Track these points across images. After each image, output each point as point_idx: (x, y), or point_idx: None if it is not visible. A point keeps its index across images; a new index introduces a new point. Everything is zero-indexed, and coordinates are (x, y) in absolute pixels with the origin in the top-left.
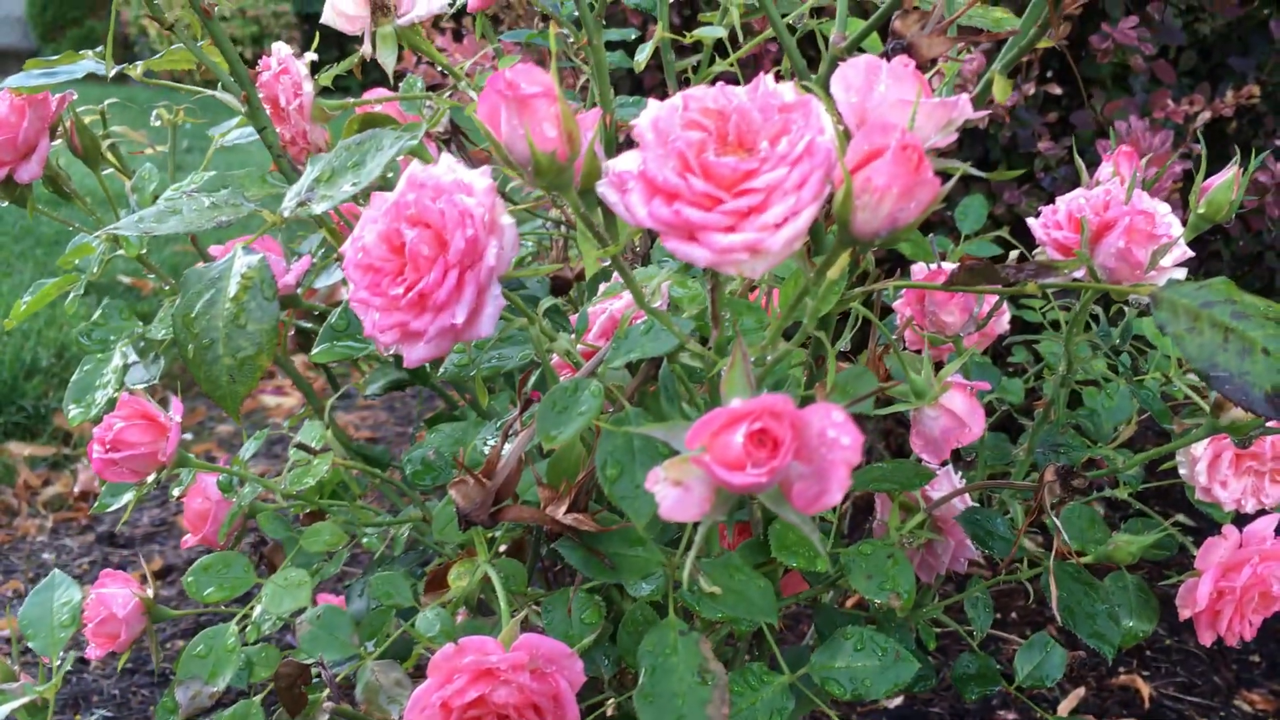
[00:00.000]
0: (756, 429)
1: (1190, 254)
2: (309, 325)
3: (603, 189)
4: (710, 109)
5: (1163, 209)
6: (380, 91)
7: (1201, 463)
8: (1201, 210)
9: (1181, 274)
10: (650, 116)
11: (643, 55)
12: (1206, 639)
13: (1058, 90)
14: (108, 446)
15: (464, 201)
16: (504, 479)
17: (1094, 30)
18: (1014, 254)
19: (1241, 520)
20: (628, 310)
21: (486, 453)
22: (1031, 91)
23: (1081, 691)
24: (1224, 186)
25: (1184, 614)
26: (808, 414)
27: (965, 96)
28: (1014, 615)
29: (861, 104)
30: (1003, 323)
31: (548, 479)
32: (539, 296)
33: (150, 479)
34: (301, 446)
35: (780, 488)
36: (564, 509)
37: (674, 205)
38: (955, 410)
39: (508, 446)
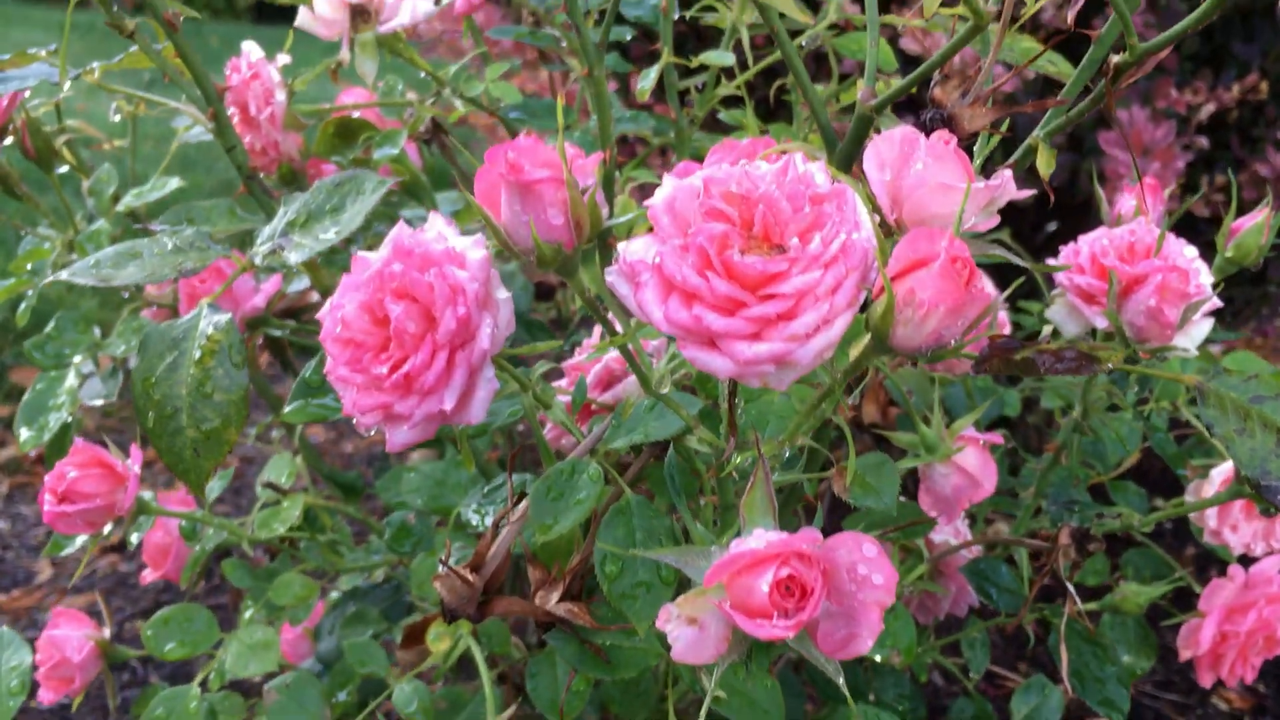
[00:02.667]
0: (784, 576)
1: (1219, 304)
2: (279, 332)
3: (612, 279)
4: (734, 194)
5: (1194, 259)
6: (358, 93)
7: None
8: (1230, 254)
9: (1209, 325)
10: (666, 197)
11: (646, 83)
12: (1206, 680)
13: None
14: (60, 497)
15: (455, 275)
16: (492, 571)
17: (1098, 13)
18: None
19: (1246, 558)
20: (631, 385)
21: (473, 522)
22: (1031, 76)
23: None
24: (1254, 230)
25: (1184, 655)
26: (836, 549)
27: (1009, 175)
28: (1014, 655)
29: (896, 182)
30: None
31: (540, 557)
32: (523, 311)
33: (107, 529)
34: (270, 485)
35: (805, 628)
36: (557, 596)
37: (693, 309)
38: (968, 468)
39: (498, 537)
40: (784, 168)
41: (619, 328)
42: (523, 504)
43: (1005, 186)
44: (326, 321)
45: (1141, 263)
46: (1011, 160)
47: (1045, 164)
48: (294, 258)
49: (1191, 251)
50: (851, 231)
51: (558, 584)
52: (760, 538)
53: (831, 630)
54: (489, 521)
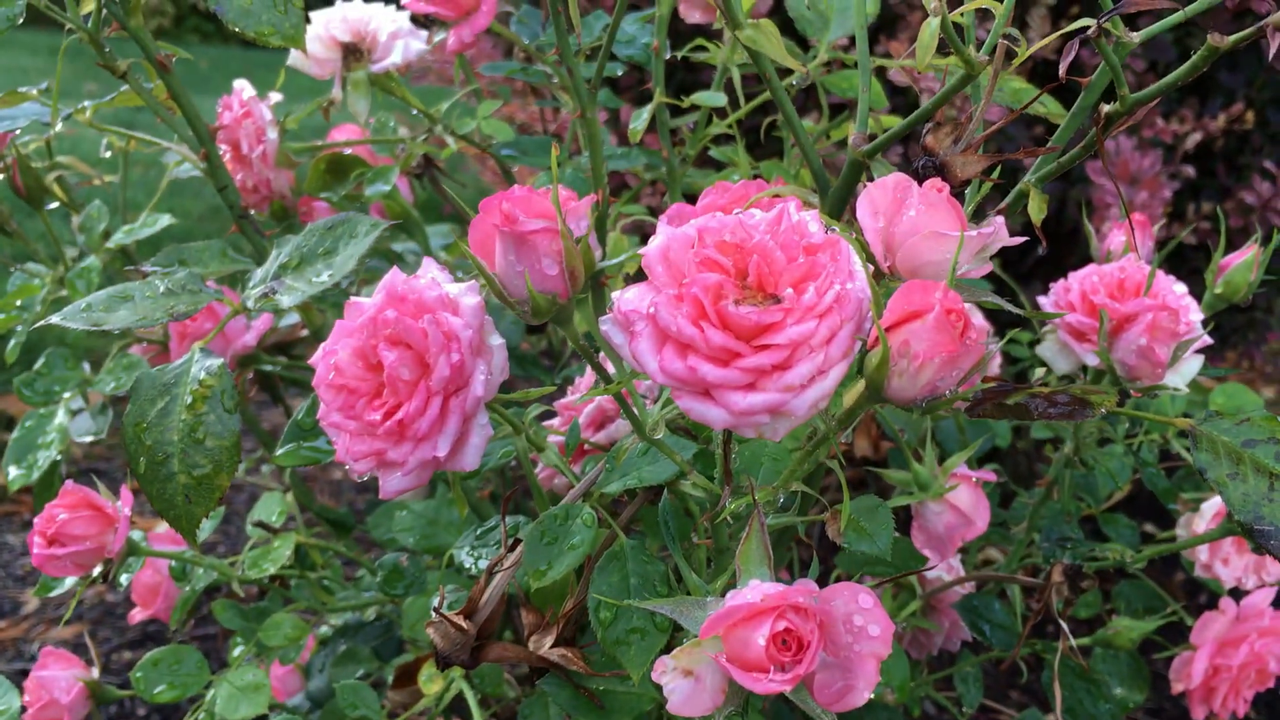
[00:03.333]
0: (780, 629)
1: (1209, 341)
2: (270, 367)
3: (607, 328)
4: (728, 243)
5: (1184, 296)
6: (349, 130)
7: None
8: (1219, 290)
9: (1199, 362)
10: (660, 246)
11: (639, 123)
12: (1199, 714)
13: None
14: (49, 540)
15: (449, 322)
16: (486, 617)
17: (1086, 44)
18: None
19: (1237, 591)
20: (624, 425)
21: (466, 565)
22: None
23: None
24: (1243, 267)
25: (1177, 688)
26: (832, 599)
27: (1001, 221)
28: (1004, 685)
29: (890, 229)
30: (993, 367)
31: (533, 600)
32: (514, 345)
33: (96, 571)
34: (261, 525)
35: (802, 681)
36: (550, 641)
37: (688, 359)
38: (961, 506)
39: (492, 583)
40: (778, 217)
41: (611, 369)
42: (517, 549)
43: (998, 233)
44: (319, 367)
45: (1132, 301)
46: (1003, 205)
47: (1037, 210)
48: (286, 301)
49: (1181, 288)
50: (845, 281)
51: (551, 628)
52: (756, 590)
53: (828, 682)
54: (483, 565)
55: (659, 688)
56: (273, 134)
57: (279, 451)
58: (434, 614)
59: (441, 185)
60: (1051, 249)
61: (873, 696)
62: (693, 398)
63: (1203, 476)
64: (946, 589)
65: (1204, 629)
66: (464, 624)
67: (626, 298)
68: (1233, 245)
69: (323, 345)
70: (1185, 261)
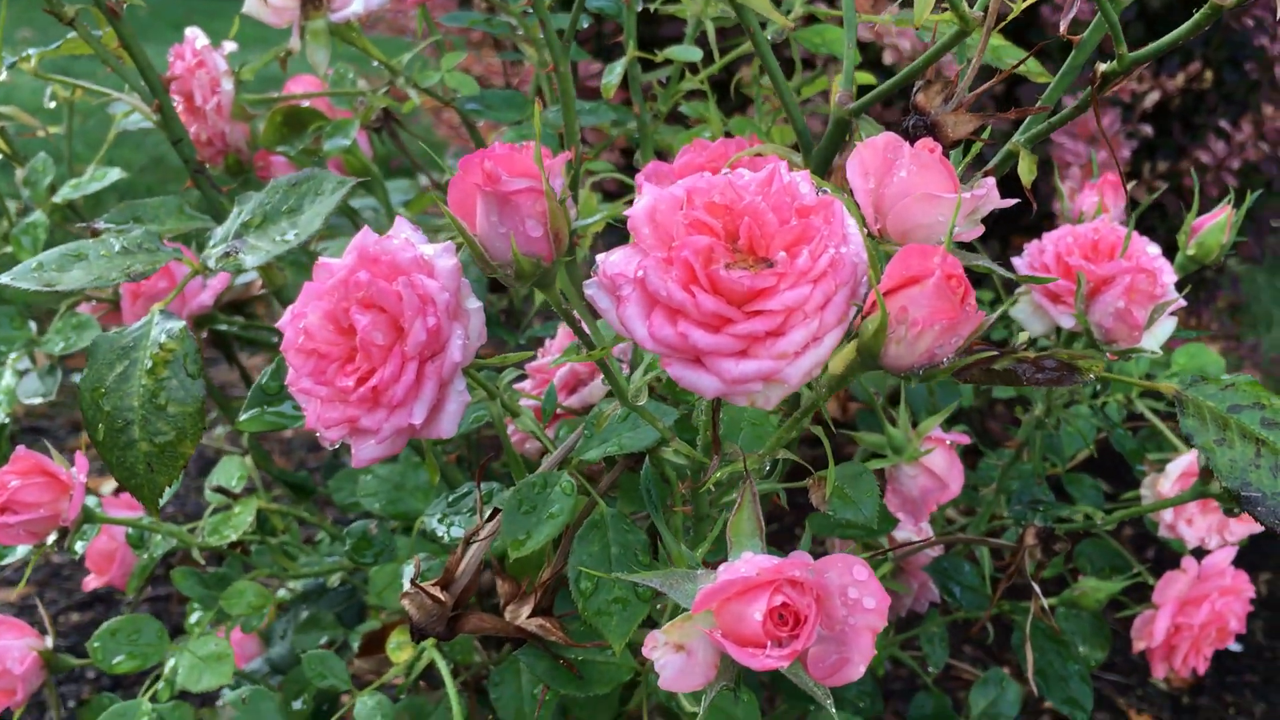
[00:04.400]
0: (778, 604)
1: (1183, 303)
2: (227, 327)
3: (592, 292)
4: (717, 205)
5: (1158, 258)
6: (307, 82)
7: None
8: (1192, 252)
9: (1173, 324)
10: (646, 207)
11: (612, 77)
12: (1159, 671)
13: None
14: (1, 508)
15: (425, 285)
16: (463, 587)
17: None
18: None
19: (1199, 551)
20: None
21: (438, 533)
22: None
23: None
24: (1216, 229)
25: (1138, 647)
26: (826, 572)
27: (992, 183)
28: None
29: (879, 190)
30: None
31: (509, 570)
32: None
33: (50, 540)
34: (220, 490)
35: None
36: (528, 611)
37: (679, 325)
38: (935, 469)
39: (469, 553)
40: (769, 177)
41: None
42: (495, 519)
43: (989, 195)
44: (288, 331)
45: (1108, 263)
46: (989, 166)
47: (1027, 171)
48: (250, 261)
49: (1155, 250)
50: (840, 245)
51: (528, 598)
52: (751, 563)
53: (823, 655)
54: (455, 533)
55: (639, 658)
56: (228, 85)
57: (243, 417)
58: (409, 585)
59: (402, 140)
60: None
61: None
62: (683, 365)
63: (1189, 443)
64: (917, 550)
65: (1166, 588)
66: (441, 595)
67: (611, 260)
68: (1185, 205)
69: (290, 308)
70: (1140, 221)
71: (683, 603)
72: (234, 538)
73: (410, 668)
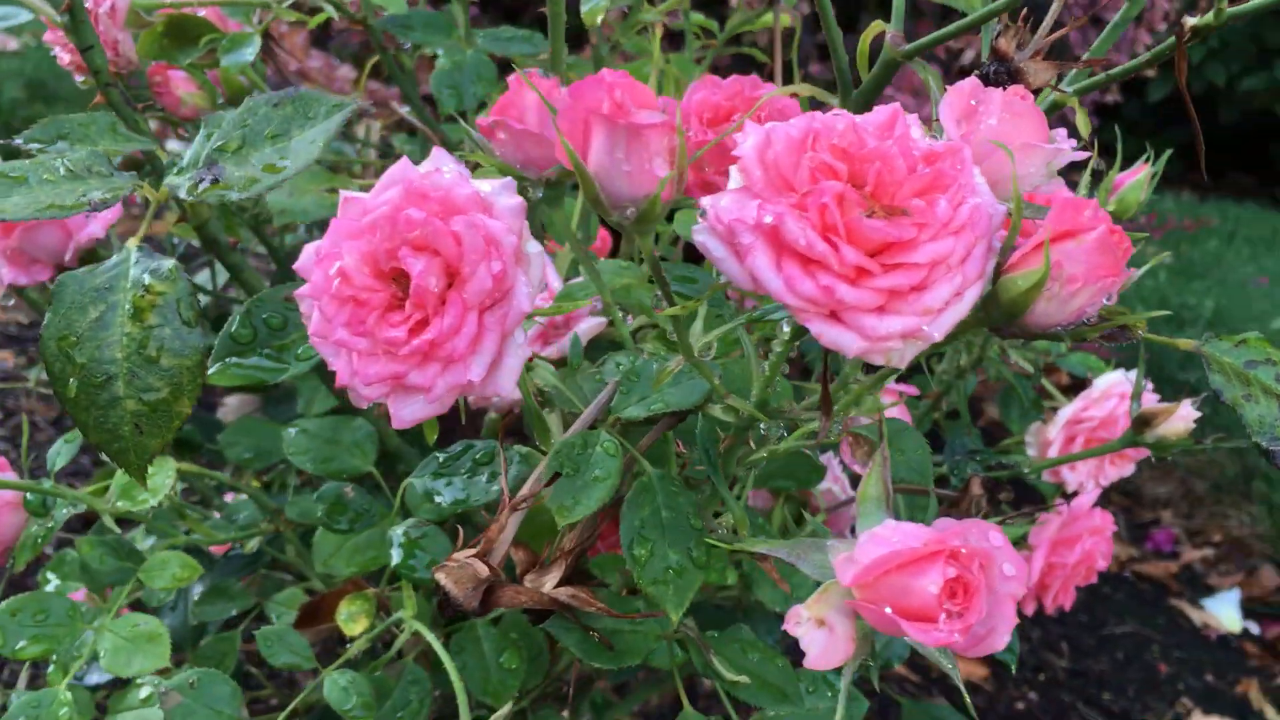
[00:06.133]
0: (951, 576)
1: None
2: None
3: (703, 238)
4: (838, 148)
5: None
6: None
7: (1054, 446)
8: (1112, 208)
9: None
10: (756, 147)
11: (595, 3)
12: (1028, 608)
13: None
14: None
15: (489, 226)
16: (501, 557)
17: None
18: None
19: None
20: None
21: (439, 494)
22: (807, 11)
23: None
24: (1135, 186)
25: None
26: (970, 539)
27: (1064, 133)
28: None
29: (967, 139)
30: None
31: (521, 535)
32: None
33: None
34: None
35: None
36: (553, 581)
37: (819, 278)
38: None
39: (509, 521)
40: (889, 120)
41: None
42: (531, 481)
43: (1064, 147)
44: (315, 275)
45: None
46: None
47: (1083, 124)
48: (238, 195)
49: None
50: (975, 197)
51: (548, 568)
52: (906, 532)
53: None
54: (452, 496)
55: (663, 626)
56: None
57: (212, 369)
58: (448, 560)
59: (282, 64)
60: None
61: (769, 606)
62: (822, 321)
63: (1219, 399)
64: (843, 506)
65: (1041, 530)
66: (487, 568)
67: (723, 206)
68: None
69: (314, 247)
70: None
71: (814, 575)
72: (153, 502)
73: (370, 636)
